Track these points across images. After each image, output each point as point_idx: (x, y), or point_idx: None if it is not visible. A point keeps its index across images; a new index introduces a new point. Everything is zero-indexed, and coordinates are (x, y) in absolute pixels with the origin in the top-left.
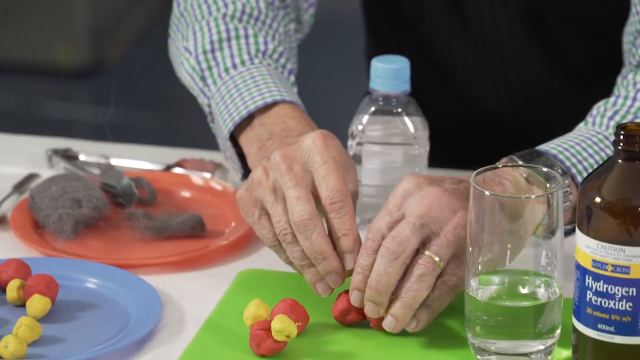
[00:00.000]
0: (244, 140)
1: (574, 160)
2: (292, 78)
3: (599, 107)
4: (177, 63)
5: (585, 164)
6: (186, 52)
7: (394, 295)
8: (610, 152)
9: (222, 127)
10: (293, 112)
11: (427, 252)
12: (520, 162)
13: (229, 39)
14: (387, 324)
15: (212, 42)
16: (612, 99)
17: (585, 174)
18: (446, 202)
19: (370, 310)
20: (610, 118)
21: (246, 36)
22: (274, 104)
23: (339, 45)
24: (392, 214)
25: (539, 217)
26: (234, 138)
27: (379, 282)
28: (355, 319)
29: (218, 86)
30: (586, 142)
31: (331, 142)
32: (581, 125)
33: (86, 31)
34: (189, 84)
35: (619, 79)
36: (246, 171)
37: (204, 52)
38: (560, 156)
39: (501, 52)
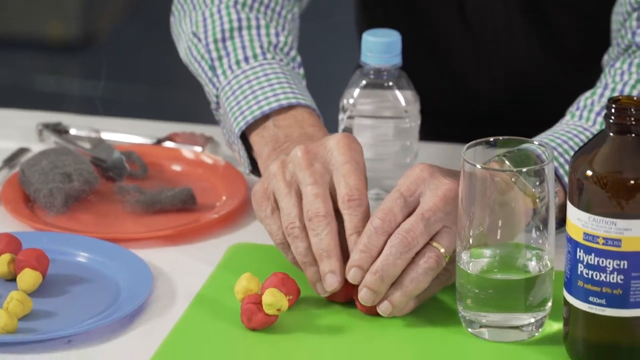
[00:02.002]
0: (257, 139)
1: (561, 160)
2: (302, 71)
3: (586, 99)
4: (183, 46)
5: None
6: (194, 38)
7: (394, 284)
8: None
9: (233, 124)
10: (311, 118)
11: (435, 244)
12: (507, 162)
13: (240, 29)
14: (383, 309)
15: (223, 31)
16: (598, 91)
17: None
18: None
19: (365, 298)
20: (598, 114)
21: (258, 27)
22: (290, 106)
23: (331, 18)
24: (407, 198)
25: (540, 197)
26: (242, 134)
27: (384, 271)
28: (340, 299)
29: (229, 79)
30: (573, 140)
31: (355, 146)
32: (567, 118)
33: (77, 4)
34: (196, 70)
35: (606, 65)
36: (254, 169)
37: (215, 40)
38: (543, 156)
39: (495, 30)
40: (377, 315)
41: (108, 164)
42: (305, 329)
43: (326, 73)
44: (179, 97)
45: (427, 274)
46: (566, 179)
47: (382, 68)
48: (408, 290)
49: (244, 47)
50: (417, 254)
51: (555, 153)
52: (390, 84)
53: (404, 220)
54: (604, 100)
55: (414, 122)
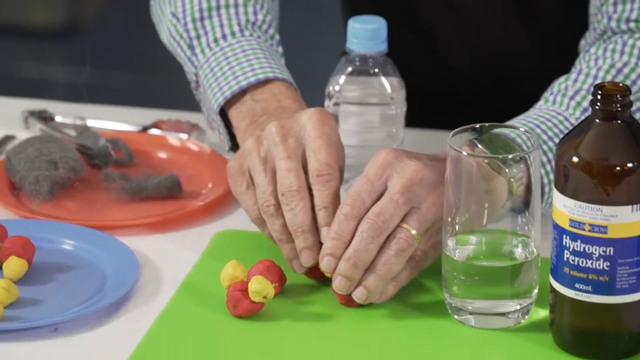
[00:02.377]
0: (235, 114)
1: (531, 144)
2: (280, 49)
3: (559, 84)
4: (162, 28)
5: (545, 147)
6: (173, 18)
7: (367, 270)
8: None
9: (212, 100)
10: (288, 92)
11: (405, 226)
12: (480, 146)
13: (218, 8)
14: (358, 294)
15: (201, 10)
16: (573, 76)
17: (544, 158)
18: (426, 176)
19: (340, 286)
20: (571, 98)
21: (236, 5)
22: (267, 81)
23: (316, 5)
24: (374, 183)
25: (514, 188)
26: (222, 110)
27: (357, 257)
28: (319, 275)
29: (207, 57)
30: (546, 124)
31: (328, 120)
32: (541, 103)
33: None
34: (175, 50)
35: (582, 49)
36: (234, 144)
37: (193, 20)
38: (518, 139)
39: (479, 15)
40: (359, 306)
41: (94, 152)
42: (292, 317)
43: (312, 60)
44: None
45: (399, 255)
46: None
47: (367, 55)
48: (381, 273)
49: (221, 25)
50: (388, 237)
51: (525, 138)
52: (376, 70)
53: (372, 204)
54: (578, 85)
55: (399, 108)
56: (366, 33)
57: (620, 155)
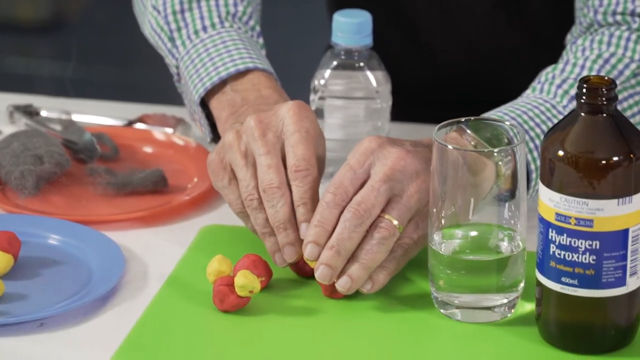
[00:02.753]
0: (215, 104)
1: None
2: (261, 40)
3: (547, 74)
4: (144, 20)
5: (532, 133)
6: (154, 11)
7: (350, 259)
8: (557, 121)
9: (192, 91)
10: (267, 81)
11: (387, 216)
12: (469, 131)
13: (198, 0)
14: (342, 284)
15: (181, 3)
16: (560, 66)
17: (531, 144)
18: (408, 163)
19: (322, 275)
20: (559, 86)
21: None
22: (247, 71)
23: None
24: (356, 170)
25: (501, 172)
26: (202, 101)
27: (340, 245)
28: (308, 272)
29: (187, 49)
30: (533, 111)
31: (306, 113)
32: (528, 92)
33: None
34: (157, 43)
35: (568, 43)
36: (215, 135)
37: (174, 12)
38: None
39: (465, 10)
40: (344, 299)
41: (79, 146)
42: (278, 311)
43: (297, 54)
44: (150, 78)
45: (381, 244)
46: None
47: (353, 49)
48: (364, 262)
49: (202, 17)
50: (371, 226)
51: (514, 123)
52: (361, 64)
53: (355, 193)
54: (565, 74)
55: (385, 102)
56: (351, 27)
57: (606, 148)
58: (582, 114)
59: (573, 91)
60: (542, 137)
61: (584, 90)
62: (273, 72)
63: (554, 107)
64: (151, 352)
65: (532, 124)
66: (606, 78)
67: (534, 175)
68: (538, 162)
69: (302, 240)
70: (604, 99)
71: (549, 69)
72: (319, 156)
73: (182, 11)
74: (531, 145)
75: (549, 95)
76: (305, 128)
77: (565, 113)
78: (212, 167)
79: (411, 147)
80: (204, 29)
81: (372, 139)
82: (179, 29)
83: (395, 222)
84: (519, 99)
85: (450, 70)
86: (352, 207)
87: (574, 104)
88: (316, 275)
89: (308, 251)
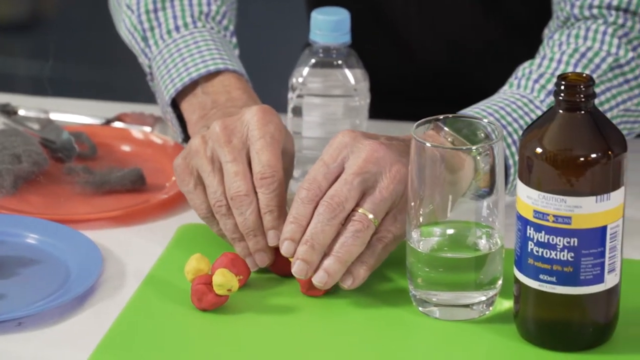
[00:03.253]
0: (186, 106)
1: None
2: (234, 40)
3: (524, 69)
4: (118, 19)
5: (510, 128)
6: (128, 10)
7: (326, 254)
8: (534, 116)
9: (164, 92)
10: (238, 83)
11: (361, 210)
12: (446, 127)
13: None
14: (318, 278)
15: (155, 2)
16: (537, 61)
17: (509, 139)
18: (382, 155)
19: (298, 270)
20: (536, 81)
21: None
22: (218, 72)
23: None
24: (329, 165)
25: (480, 169)
26: (174, 102)
27: (314, 239)
28: (286, 272)
29: (160, 48)
30: (510, 107)
31: (271, 118)
32: (505, 87)
33: None
34: (130, 42)
35: (545, 37)
36: (186, 136)
37: (147, 11)
38: (484, 121)
39: (443, 6)
40: (322, 296)
41: (57, 145)
42: (256, 309)
43: (275, 52)
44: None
45: (355, 237)
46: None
47: (331, 46)
48: (340, 255)
49: (175, 17)
50: (346, 220)
51: (492, 119)
52: (340, 62)
53: (329, 187)
54: (542, 69)
55: (363, 100)
56: (329, 25)
57: (583, 146)
58: (560, 111)
59: (550, 86)
60: (520, 131)
61: (562, 88)
62: (244, 73)
63: (531, 101)
64: (129, 351)
65: (509, 119)
66: (584, 75)
67: (512, 170)
68: (516, 157)
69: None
70: (582, 96)
71: (526, 64)
72: (289, 156)
73: (155, 10)
74: (509, 140)
75: (526, 91)
76: (270, 133)
77: (543, 107)
78: (178, 171)
79: (385, 141)
80: (177, 28)
81: (346, 133)
82: (152, 29)
83: (371, 216)
84: (496, 95)
85: (428, 67)
86: (325, 201)
87: (551, 99)
88: (292, 270)
89: (284, 248)
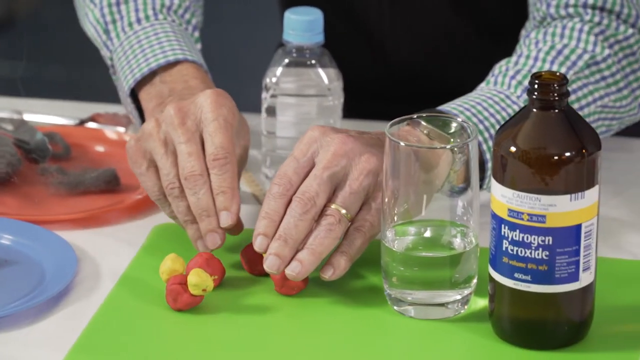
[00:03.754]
0: (144, 96)
1: (474, 120)
2: (197, 34)
3: (500, 67)
4: (82, 14)
5: (487, 123)
6: (91, 4)
7: (299, 248)
8: (511, 111)
9: (123, 82)
10: (196, 72)
11: (333, 206)
12: (422, 121)
13: None
14: (292, 267)
15: None
16: (513, 58)
17: (486, 134)
18: (351, 147)
19: (270, 265)
20: (512, 77)
21: None
22: (177, 62)
23: None
24: (299, 160)
25: (455, 168)
26: (134, 93)
27: (287, 234)
28: (260, 271)
29: (121, 40)
30: (487, 102)
31: (224, 101)
32: (482, 85)
33: None
34: (93, 35)
35: (522, 37)
36: None
37: (109, 4)
38: (461, 116)
39: (415, 5)
40: (297, 295)
41: (31, 146)
42: (231, 309)
43: (248, 52)
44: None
45: (328, 230)
46: (480, 138)
47: (304, 46)
48: (313, 247)
49: (136, 10)
50: (320, 215)
51: (469, 114)
52: (313, 62)
53: (301, 182)
54: (519, 66)
55: (337, 100)
56: (303, 25)
57: (558, 144)
58: (534, 109)
59: (527, 82)
60: (497, 126)
61: (536, 86)
62: (203, 64)
63: (507, 97)
64: (104, 352)
65: (486, 114)
66: (557, 74)
67: (489, 165)
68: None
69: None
70: (555, 94)
71: (503, 62)
72: (243, 140)
73: (118, 4)
74: (486, 134)
75: (503, 87)
76: (223, 116)
77: (520, 103)
78: (130, 153)
79: (355, 134)
80: (138, 21)
81: (315, 128)
82: (114, 22)
83: (343, 211)
84: (473, 92)
85: (401, 66)
86: (297, 197)
87: (525, 104)
88: (265, 265)
89: (257, 243)
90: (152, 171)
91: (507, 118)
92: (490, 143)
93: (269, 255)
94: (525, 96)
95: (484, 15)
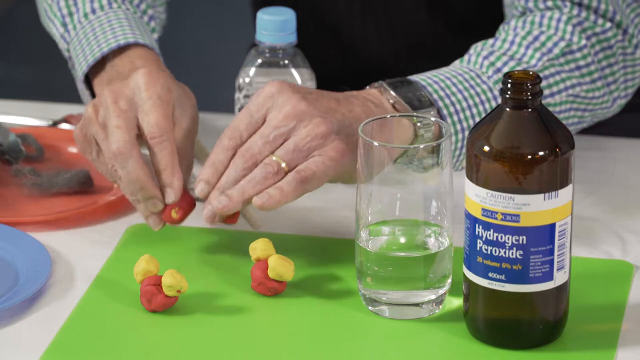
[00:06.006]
0: (96, 82)
1: (441, 93)
2: (153, 24)
3: (476, 47)
4: (41, 10)
5: (453, 98)
6: None
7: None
8: (479, 90)
9: (78, 70)
10: (143, 53)
11: (274, 157)
12: (390, 90)
13: None
14: (220, 200)
15: None
16: (490, 41)
17: (451, 108)
18: (304, 109)
19: (209, 214)
20: (485, 57)
21: None
22: (127, 46)
23: None
24: (253, 115)
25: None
26: (90, 81)
27: (225, 187)
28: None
29: (77, 31)
30: (457, 78)
31: (157, 79)
32: (456, 62)
33: None
34: (51, 30)
35: (501, 26)
36: None
37: None
38: (429, 88)
39: (387, 3)
40: (273, 297)
41: (4, 147)
42: (206, 310)
43: (221, 52)
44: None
45: (265, 178)
46: (445, 112)
47: (277, 46)
48: (245, 189)
49: (92, 1)
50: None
51: (437, 87)
52: (286, 62)
53: (250, 136)
54: (494, 48)
55: None
56: (275, 25)
57: (531, 143)
58: (507, 109)
59: (500, 64)
60: (464, 102)
61: (509, 85)
62: (156, 47)
63: (478, 76)
64: (79, 353)
65: (454, 89)
66: (530, 73)
67: (457, 138)
68: (458, 126)
69: (161, 196)
70: (528, 93)
71: (479, 43)
72: (188, 111)
73: None
74: (452, 109)
75: (475, 66)
76: (157, 94)
77: (490, 83)
78: (78, 141)
79: (314, 96)
80: (93, 11)
81: (274, 84)
82: (70, 14)
83: (283, 164)
84: (445, 67)
85: (374, 64)
86: (240, 152)
87: (498, 76)
88: (204, 214)
89: (199, 189)
90: (102, 156)
91: (474, 95)
92: (455, 117)
93: (207, 204)
94: (495, 77)
95: (454, 12)
